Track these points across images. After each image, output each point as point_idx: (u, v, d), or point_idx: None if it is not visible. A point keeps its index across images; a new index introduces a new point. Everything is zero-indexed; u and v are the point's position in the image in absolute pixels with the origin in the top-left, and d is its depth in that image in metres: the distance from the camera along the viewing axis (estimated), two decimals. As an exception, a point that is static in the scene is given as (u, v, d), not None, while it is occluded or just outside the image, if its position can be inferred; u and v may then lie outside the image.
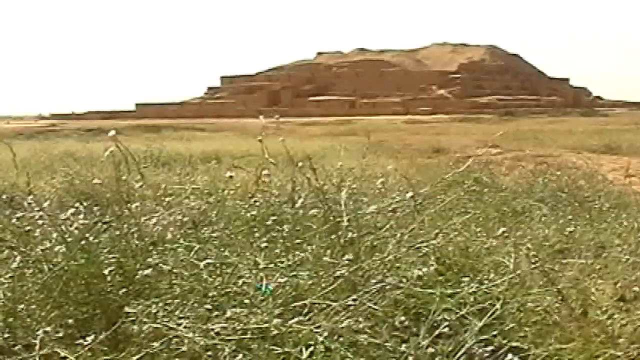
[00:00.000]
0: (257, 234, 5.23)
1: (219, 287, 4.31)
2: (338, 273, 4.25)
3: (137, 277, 4.35)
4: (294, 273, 4.39)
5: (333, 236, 4.80)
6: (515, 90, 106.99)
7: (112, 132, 5.02)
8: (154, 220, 5.61)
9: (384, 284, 4.11)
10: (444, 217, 6.18)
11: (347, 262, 4.34)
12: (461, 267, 4.64)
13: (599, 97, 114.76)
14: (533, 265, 4.67)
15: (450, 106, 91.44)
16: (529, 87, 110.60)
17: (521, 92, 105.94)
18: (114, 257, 4.47)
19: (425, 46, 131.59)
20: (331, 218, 4.94)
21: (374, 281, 4.17)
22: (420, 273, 4.26)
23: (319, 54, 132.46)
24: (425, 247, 4.63)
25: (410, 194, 5.62)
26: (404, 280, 4.19)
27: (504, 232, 5.00)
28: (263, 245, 4.91)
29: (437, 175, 10.96)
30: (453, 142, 26.62)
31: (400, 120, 62.07)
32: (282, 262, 4.55)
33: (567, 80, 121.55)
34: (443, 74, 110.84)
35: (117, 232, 4.75)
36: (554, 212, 8.05)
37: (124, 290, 4.26)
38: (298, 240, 4.94)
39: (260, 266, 4.48)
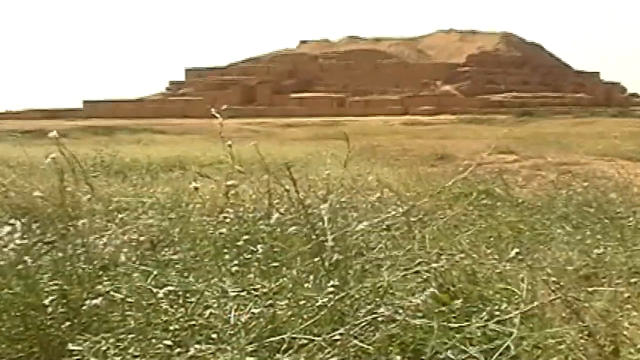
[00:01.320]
0: (227, 256, 5.24)
1: (181, 319, 4.31)
2: (322, 302, 4.26)
3: (84, 307, 4.35)
4: (271, 302, 4.40)
5: (317, 258, 4.82)
6: (535, 86, 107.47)
7: (54, 133, 5.03)
8: (105, 239, 5.61)
9: (376, 315, 4.13)
10: (448, 235, 6.21)
11: (332, 289, 4.35)
12: (468, 295, 4.66)
13: (634, 95, 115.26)
14: (554, 294, 4.70)
15: (457, 105, 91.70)
16: (552, 82, 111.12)
17: (542, 88, 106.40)
18: (56, 284, 4.46)
19: (428, 34, 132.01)
20: (314, 237, 4.96)
21: (364, 312, 4.19)
22: (419, 302, 4.28)
23: (303, 42, 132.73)
24: (426, 271, 4.66)
25: (407, 209, 5.66)
26: (400, 310, 4.21)
27: (518, 253, 5.03)
28: (234, 269, 4.92)
29: (441, 187, 11.04)
30: (460, 148, 26.67)
31: (398, 122, 62.23)
32: (256, 290, 4.57)
33: (597, 74, 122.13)
34: (449, 66, 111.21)
35: (61, 254, 4.75)
36: (580, 231, 8.09)
37: (68, 323, 4.26)
38: (275, 264, 4.96)
39: (231, 294, 4.49)
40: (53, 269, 4.64)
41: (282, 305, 4.43)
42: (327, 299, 4.26)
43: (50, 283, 4.48)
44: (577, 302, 4.82)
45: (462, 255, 5.23)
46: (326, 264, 4.70)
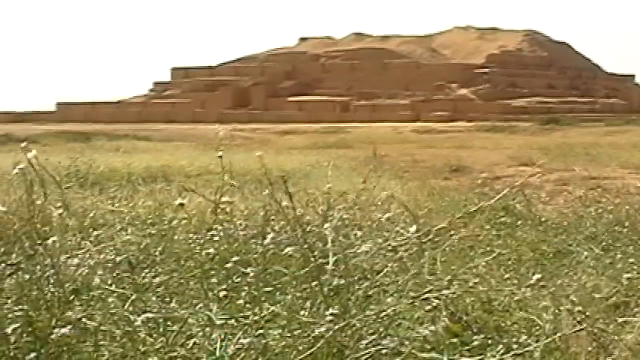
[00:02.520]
0: (214, 279, 5.23)
1: (161, 350, 4.31)
2: (319, 332, 4.25)
3: (52, 336, 4.33)
4: (262, 332, 4.40)
5: (314, 283, 4.81)
6: (562, 89, 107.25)
7: (25, 144, 5.03)
8: (78, 260, 5.60)
9: (379, 347, 4.12)
10: (462, 258, 6.22)
11: (331, 317, 4.35)
12: (483, 325, 4.67)
13: None
14: (579, 325, 4.70)
15: (475, 111, 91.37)
16: (581, 86, 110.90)
17: (570, 92, 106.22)
18: (21, 310, 4.45)
19: (443, 31, 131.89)
20: (312, 259, 4.95)
21: (366, 343, 4.18)
22: (428, 333, 4.28)
23: (302, 40, 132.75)
24: (435, 298, 4.66)
25: (417, 228, 5.66)
26: (406, 342, 4.21)
27: (539, 279, 5.03)
28: (222, 294, 4.91)
29: (456, 203, 11.06)
30: (477, 159, 26.64)
31: (409, 129, 62.01)
32: (246, 317, 4.56)
33: (631, 77, 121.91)
34: (466, 67, 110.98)
35: (27, 276, 4.74)
36: (610, 254, 8.07)
37: (33, 354, 4.24)
38: (268, 288, 4.95)
39: (217, 322, 4.48)
40: (18, 292, 4.63)
41: (274, 335, 4.42)
42: (325, 328, 4.26)
43: (14, 308, 4.47)
44: (605, 335, 4.81)
45: (477, 280, 5.23)
46: (325, 289, 4.70)
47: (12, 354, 4.29)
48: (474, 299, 4.93)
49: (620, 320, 5.57)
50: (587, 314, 5.06)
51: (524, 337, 4.48)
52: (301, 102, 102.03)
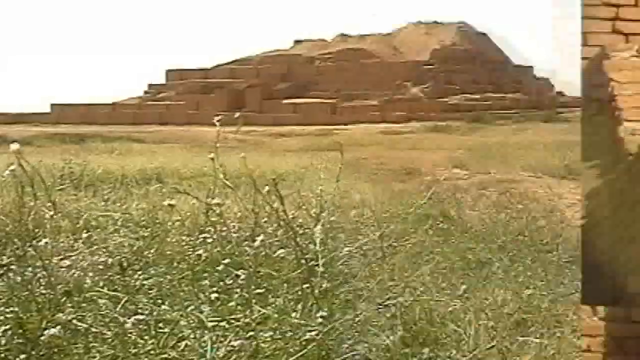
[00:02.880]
0: (206, 282, 5.00)
1: (152, 351, 4.10)
2: (309, 335, 4.04)
3: (43, 337, 4.09)
4: (253, 334, 4.17)
5: (305, 285, 4.57)
6: (483, 84, 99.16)
7: (15, 146, 4.69)
8: (70, 261, 5.37)
9: (355, 353, 3.93)
10: (413, 262, 6.04)
11: (321, 320, 4.12)
12: (425, 336, 4.50)
13: (560, 93, 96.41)
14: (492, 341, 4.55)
15: (423, 110, 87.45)
16: (495, 79, 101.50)
17: (488, 87, 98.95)
18: (12, 312, 4.21)
19: (401, 27, 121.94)
20: (303, 261, 4.69)
21: (345, 347, 3.99)
22: (388, 342, 4.10)
23: (297, 42, 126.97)
24: (393, 304, 4.48)
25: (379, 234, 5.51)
26: (373, 349, 4.03)
27: (465, 291, 4.88)
28: (213, 296, 4.67)
29: (408, 206, 10.69)
30: (424, 161, 25.79)
31: (377, 130, 59.67)
32: (237, 320, 4.33)
33: (530, 68, 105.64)
34: (416, 65, 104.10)
35: (19, 278, 4.50)
36: (514, 265, 7.60)
37: (24, 356, 4.01)
38: (259, 291, 4.70)
39: (209, 324, 4.25)
40: (9, 294, 4.39)
41: (265, 337, 4.20)
42: (314, 331, 4.03)
43: (5, 310, 4.23)
44: (509, 352, 4.65)
45: (422, 288, 5.07)
46: (316, 291, 4.45)
47: (2, 355, 4.06)
48: (420, 309, 4.77)
49: (521, 338, 5.30)
50: (497, 329, 4.89)
51: (454, 351, 4.31)
52: (296, 105, 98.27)
